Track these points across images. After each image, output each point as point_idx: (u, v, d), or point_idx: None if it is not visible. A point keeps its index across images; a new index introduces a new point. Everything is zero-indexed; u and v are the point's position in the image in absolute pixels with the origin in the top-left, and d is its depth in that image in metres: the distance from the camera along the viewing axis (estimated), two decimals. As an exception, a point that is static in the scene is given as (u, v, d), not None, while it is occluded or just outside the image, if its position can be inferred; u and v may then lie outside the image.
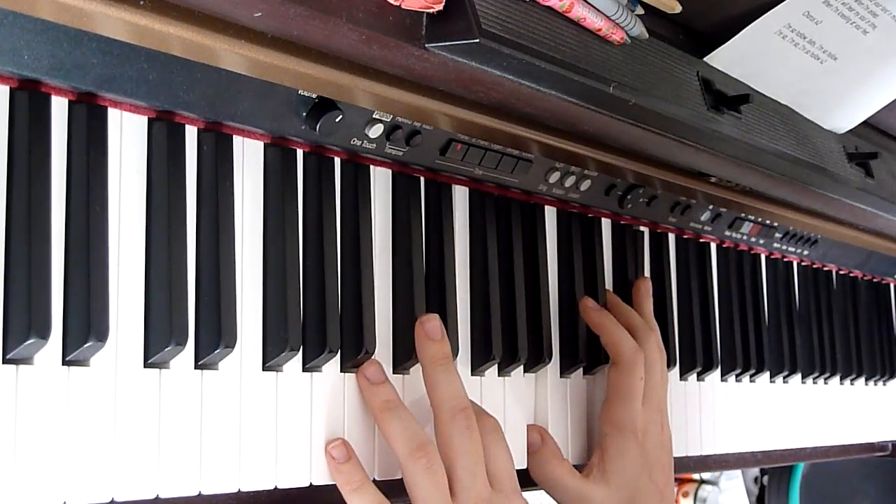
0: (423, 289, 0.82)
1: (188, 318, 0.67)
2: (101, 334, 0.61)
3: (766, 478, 1.78)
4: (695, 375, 1.13)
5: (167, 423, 0.66)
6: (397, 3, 0.65)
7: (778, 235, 1.26)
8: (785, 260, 1.32)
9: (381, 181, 0.82)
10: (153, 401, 0.65)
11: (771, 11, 0.88)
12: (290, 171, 0.74)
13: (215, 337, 0.68)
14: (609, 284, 1.03)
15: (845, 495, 1.81)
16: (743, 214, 1.17)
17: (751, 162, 0.98)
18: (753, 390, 1.23)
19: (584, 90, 0.77)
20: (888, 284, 1.58)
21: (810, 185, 1.08)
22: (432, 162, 0.82)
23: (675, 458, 0.99)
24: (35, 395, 0.59)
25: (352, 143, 0.75)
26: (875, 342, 1.51)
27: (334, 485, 0.74)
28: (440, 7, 0.66)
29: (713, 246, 1.18)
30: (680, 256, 1.13)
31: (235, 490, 0.69)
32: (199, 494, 0.67)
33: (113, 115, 0.65)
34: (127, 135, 0.65)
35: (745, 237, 1.21)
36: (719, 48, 0.91)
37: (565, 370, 0.96)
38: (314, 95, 0.71)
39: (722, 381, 1.17)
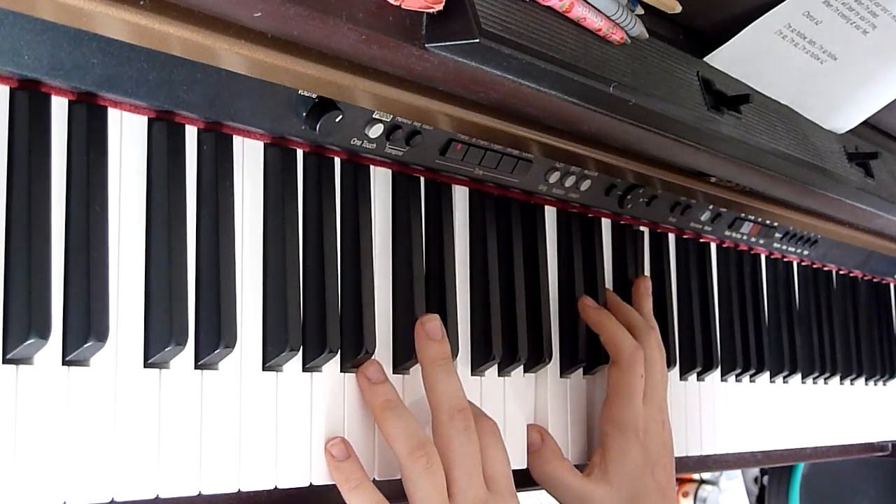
0: (423, 289, 0.82)
1: (188, 318, 0.67)
2: (101, 334, 0.61)
3: (766, 478, 1.79)
4: (695, 375, 1.13)
5: (167, 423, 0.66)
6: (397, 3, 0.65)
7: (778, 235, 1.26)
8: (785, 260, 1.32)
9: (381, 181, 0.82)
10: (153, 401, 0.65)
11: (771, 11, 0.88)
12: (290, 171, 0.74)
13: (215, 337, 0.68)
14: (609, 284, 1.03)
15: (845, 495, 1.81)
16: (743, 214, 1.17)
17: (751, 162, 0.98)
18: (753, 390, 1.23)
19: (584, 90, 0.77)
20: (888, 284, 1.58)
21: (810, 185, 1.07)
22: (432, 162, 0.82)
23: (675, 458, 0.99)
24: (35, 395, 0.59)
25: (352, 143, 0.75)
26: (875, 342, 1.50)
27: (334, 485, 0.74)
28: (440, 7, 0.66)
29: (713, 246, 1.18)
30: (680, 256, 1.13)
31: (235, 490, 0.69)
32: (199, 494, 0.67)
33: (113, 115, 0.65)
34: (127, 135, 0.65)
35: (745, 237, 1.21)
36: (719, 48, 0.91)
37: (565, 370, 0.96)
38: (314, 95, 0.71)
39: (722, 381, 1.17)
